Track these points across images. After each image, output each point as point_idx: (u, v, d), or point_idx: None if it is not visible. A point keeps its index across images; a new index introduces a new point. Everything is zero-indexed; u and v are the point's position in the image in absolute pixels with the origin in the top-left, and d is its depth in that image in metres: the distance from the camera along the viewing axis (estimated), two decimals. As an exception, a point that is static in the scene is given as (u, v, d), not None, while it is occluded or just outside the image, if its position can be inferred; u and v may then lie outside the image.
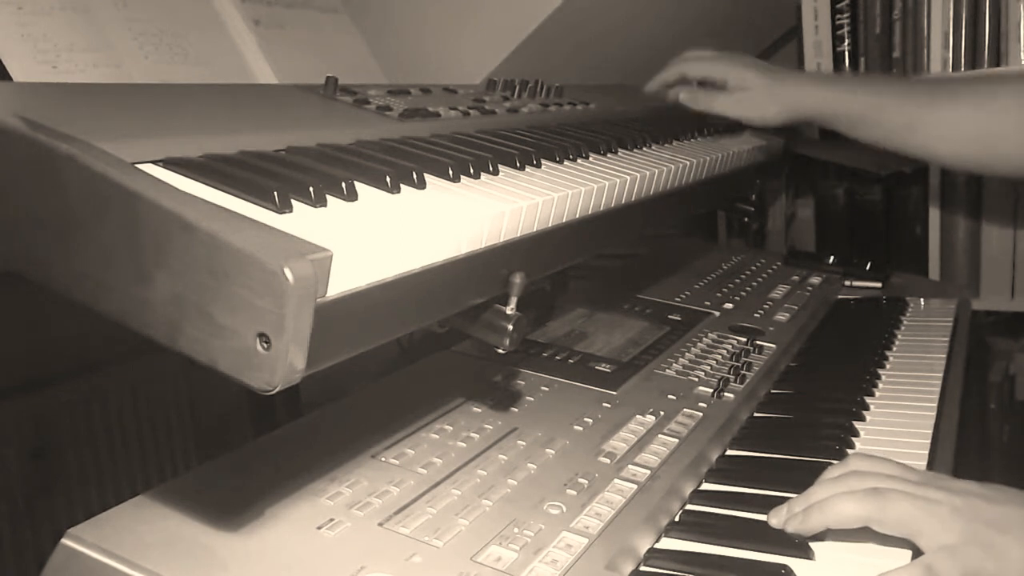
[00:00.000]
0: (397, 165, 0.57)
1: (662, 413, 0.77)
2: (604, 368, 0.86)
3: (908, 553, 0.61)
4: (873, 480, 0.61)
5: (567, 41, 1.34)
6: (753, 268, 1.28)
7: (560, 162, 0.72)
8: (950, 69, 1.51)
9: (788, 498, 0.66)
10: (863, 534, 0.63)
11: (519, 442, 0.69)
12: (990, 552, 0.57)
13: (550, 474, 0.65)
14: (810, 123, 1.11)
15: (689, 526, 0.65)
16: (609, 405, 0.78)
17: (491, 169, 0.64)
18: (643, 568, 0.60)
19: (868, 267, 1.28)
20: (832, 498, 0.61)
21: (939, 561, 0.57)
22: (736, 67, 1.09)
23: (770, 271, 1.28)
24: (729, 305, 1.09)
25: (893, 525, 0.59)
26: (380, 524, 0.56)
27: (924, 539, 0.58)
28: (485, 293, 0.57)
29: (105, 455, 0.84)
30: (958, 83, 1.21)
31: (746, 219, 1.29)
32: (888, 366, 0.96)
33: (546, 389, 0.80)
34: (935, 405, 0.86)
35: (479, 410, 0.74)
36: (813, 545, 0.62)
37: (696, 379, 0.86)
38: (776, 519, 0.64)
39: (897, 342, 1.04)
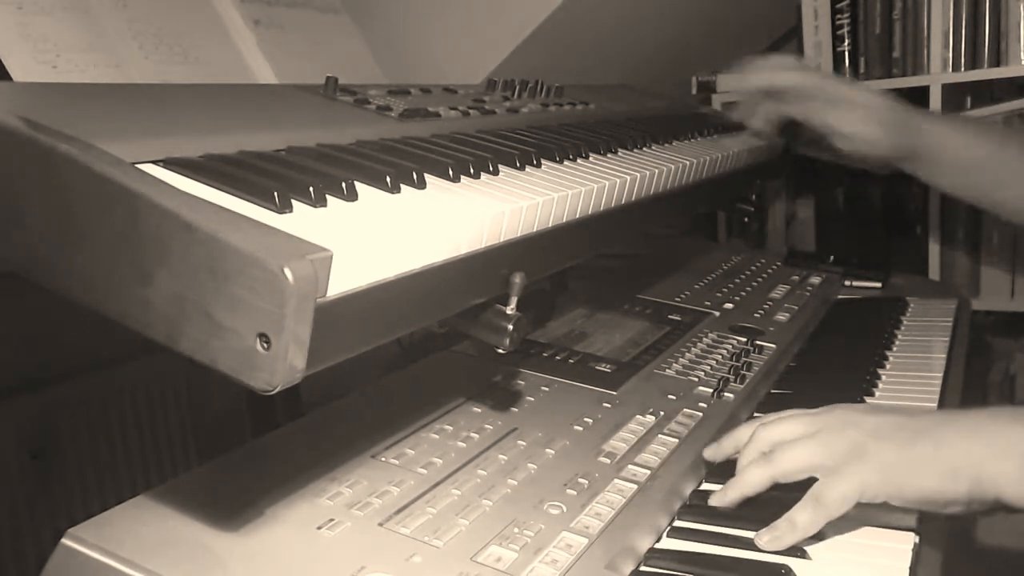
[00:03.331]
0: (397, 165, 0.57)
1: (662, 413, 0.77)
2: (604, 368, 0.86)
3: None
4: (775, 432, 0.66)
5: (567, 41, 1.34)
6: (753, 268, 1.28)
7: (560, 162, 0.72)
8: (950, 69, 1.51)
9: (788, 498, 0.65)
10: (863, 533, 0.63)
11: (519, 442, 0.69)
12: (871, 460, 0.60)
13: (550, 474, 0.65)
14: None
15: (689, 526, 0.65)
16: (609, 405, 0.78)
17: (491, 169, 0.64)
18: (643, 568, 0.60)
19: (868, 267, 1.28)
20: (742, 471, 0.65)
21: (825, 487, 0.60)
22: (842, 85, 1.08)
23: (770, 271, 1.28)
24: (729, 305, 1.09)
25: (794, 475, 0.63)
26: (380, 524, 0.56)
27: (821, 472, 0.61)
28: (485, 293, 0.57)
29: (105, 455, 0.84)
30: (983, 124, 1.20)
31: (746, 219, 1.29)
32: (888, 366, 0.96)
33: (546, 389, 0.80)
34: (935, 405, 0.86)
35: (479, 410, 0.74)
36: (813, 546, 0.62)
37: (696, 379, 0.86)
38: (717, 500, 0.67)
39: (897, 342, 1.04)
